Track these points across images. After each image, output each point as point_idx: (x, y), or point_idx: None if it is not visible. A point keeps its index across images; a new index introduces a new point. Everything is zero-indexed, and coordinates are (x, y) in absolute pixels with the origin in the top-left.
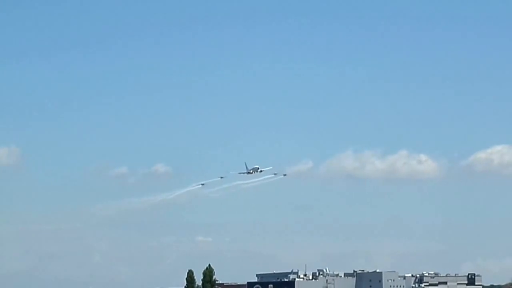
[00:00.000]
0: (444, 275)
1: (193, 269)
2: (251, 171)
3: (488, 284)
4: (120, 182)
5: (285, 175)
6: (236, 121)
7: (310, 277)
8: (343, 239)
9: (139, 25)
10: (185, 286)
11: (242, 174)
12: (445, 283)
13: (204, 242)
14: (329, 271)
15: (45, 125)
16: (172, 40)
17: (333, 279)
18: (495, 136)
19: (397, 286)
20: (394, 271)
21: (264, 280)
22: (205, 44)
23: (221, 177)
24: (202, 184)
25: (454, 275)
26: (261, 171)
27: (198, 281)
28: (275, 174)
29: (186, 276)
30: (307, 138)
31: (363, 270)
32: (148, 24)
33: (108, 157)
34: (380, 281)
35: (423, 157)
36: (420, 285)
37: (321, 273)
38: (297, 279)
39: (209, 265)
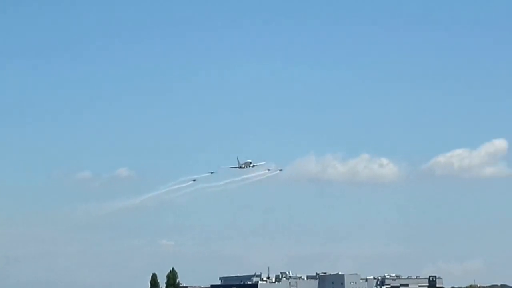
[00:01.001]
0: (406, 277)
1: (156, 273)
2: (243, 166)
3: (449, 286)
4: (84, 186)
5: (281, 170)
6: (201, 125)
7: (273, 280)
8: (306, 242)
9: (112, 27)
10: None
11: (233, 169)
12: (407, 285)
13: (168, 245)
14: (292, 273)
15: (9, 130)
16: (137, 43)
17: (296, 282)
18: (455, 140)
19: None
20: (356, 274)
21: (228, 283)
22: (167, 46)
23: (212, 172)
24: (194, 180)
25: (415, 277)
26: (253, 165)
27: (162, 284)
28: (268, 169)
29: (150, 279)
30: (269, 141)
31: (325, 273)
32: (120, 25)
33: (72, 161)
34: (343, 283)
35: (384, 160)
36: (382, 287)
37: (284, 275)
38: (260, 282)
39: (173, 268)
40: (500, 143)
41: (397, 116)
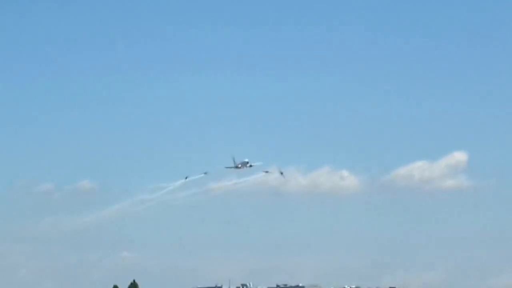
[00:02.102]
0: None
1: (118, 285)
2: (240, 166)
3: None
4: (46, 198)
5: (281, 173)
6: (158, 138)
7: None
8: (267, 254)
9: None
10: None
11: (229, 169)
12: None
13: (129, 257)
14: (252, 285)
15: None
16: (104, 49)
17: None
18: (415, 152)
19: None
20: (317, 285)
21: None
22: (136, 49)
23: (205, 173)
24: (186, 178)
25: None
26: (250, 165)
27: None
28: (266, 171)
29: None
30: (231, 153)
31: (286, 285)
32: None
33: (34, 173)
34: None
35: (345, 172)
36: None
37: (245, 287)
38: None
39: (134, 280)
40: (460, 156)
41: (358, 128)
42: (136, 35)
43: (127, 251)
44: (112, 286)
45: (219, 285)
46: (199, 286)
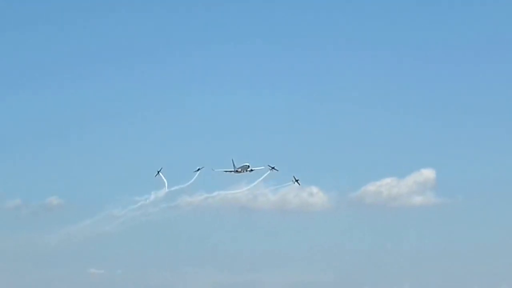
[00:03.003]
0: None
1: None
2: (240, 170)
3: None
4: (14, 214)
5: (297, 181)
6: (130, 151)
7: None
8: (235, 270)
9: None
10: None
11: (228, 173)
12: None
13: (97, 274)
14: None
15: None
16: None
17: None
18: (384, 169)
19: None
20: None
21: None
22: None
23: (198, 169)
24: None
25: None
26: (251, 170)
27: None
28: (272, 168)
29: None
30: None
31: None
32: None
33: (1, 189)
34: None
35: (314, 189)
36: None
37: None
38: None
39: None
40: (428, 173)
41: (326, 145)
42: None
43: (95, 268)
44: None
45: None
46: None
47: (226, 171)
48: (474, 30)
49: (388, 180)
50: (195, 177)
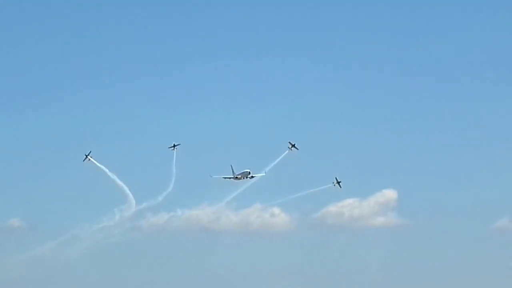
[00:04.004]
0: None
1: None
2: (240, 176)
3: None
4: None
5: (339, 182)
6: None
7: None
8: None
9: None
10: None
11: (227, 179)
12: None
13: None
14: None
15: None
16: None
17: None
18: (346, 189)
19: None
20: None
21: None
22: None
23: (174, 145)
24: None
25: None
26: (252, 176)
27: None
28: (292, 145)
29: None
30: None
31: None
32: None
33: None
34: None
35: (276, 210)
36: None
37: None
38: None
39: None
40: (390, 193)
41: (289, 165)
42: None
43: None
44: None
45: None
46: None
47: (225, 177)
48: (437, 50)
49: (350, 201)
50: (170, 188)
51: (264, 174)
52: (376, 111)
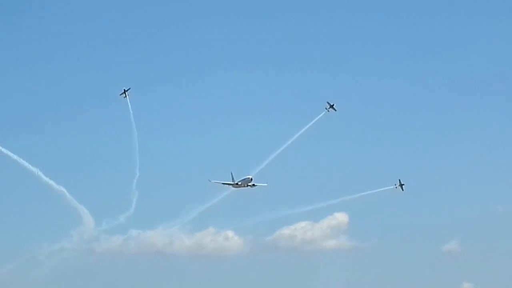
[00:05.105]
0: None
1: None
2: (241, 183)
3: None
4: None
5: (332, 106)
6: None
7: None
8: None
9: None
10: None
11: (226, 186)
12: None
13: None
14: None
15: None
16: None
17: None
18: (299, 212)
19: None
20: None
21: None
22: None
23: (124, 90)
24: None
25: None
26: (254, 184)
27: None
28: (331, 106)
29: None
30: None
31: None
32: None
33: None
34: None
35: (230, 233)
36: None
37: None
38: None
39: None
40: (341, 217)
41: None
42: None
43: None
44: None
45: None
46: None
47: (224, 183)
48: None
49: (302, 224)
50: (131, 209)
51: (266, 184)
52: (328, 134)
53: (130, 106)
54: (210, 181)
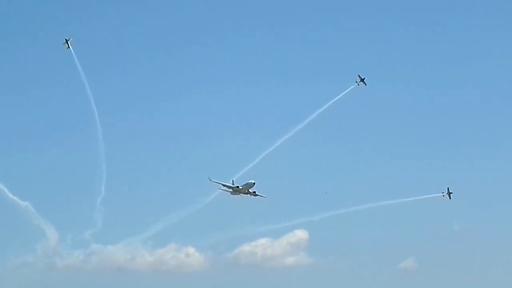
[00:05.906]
0: None
1: None
2: (242, 188)
3: None
4: None
5: (363, 80)
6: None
7: None
8: None
9: None
10: None
11: (225, 190)
12: None
13: None
14: None
15: None
16: None
17: None
18: (259, 229)
19: None
20: None
21: None
22: None
23: (66, 40)
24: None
25: None
26: (254, 191)
27: None
28: (362, 79)
29: None
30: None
31: None
32: None
33: None
34: None
35: (191, 250)
36: None
37: None
38: None
39: None
40: (301, 234)
41: (203, 206)
42: None
43: None
44: None
45: None
46: None
47: (224, 185)
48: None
49: (262, 240)
50: (98, 225)
51: (266, 196)
52: (288, 152)
53: (75, 56)
54: (210, 180)
